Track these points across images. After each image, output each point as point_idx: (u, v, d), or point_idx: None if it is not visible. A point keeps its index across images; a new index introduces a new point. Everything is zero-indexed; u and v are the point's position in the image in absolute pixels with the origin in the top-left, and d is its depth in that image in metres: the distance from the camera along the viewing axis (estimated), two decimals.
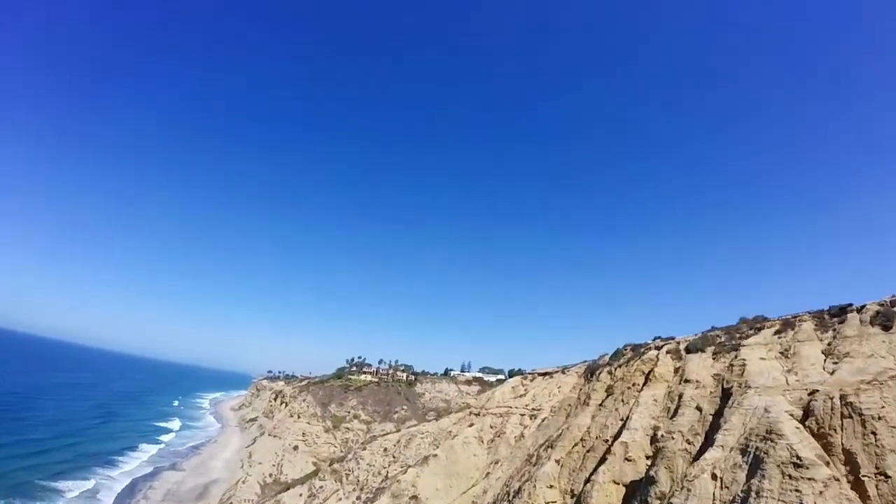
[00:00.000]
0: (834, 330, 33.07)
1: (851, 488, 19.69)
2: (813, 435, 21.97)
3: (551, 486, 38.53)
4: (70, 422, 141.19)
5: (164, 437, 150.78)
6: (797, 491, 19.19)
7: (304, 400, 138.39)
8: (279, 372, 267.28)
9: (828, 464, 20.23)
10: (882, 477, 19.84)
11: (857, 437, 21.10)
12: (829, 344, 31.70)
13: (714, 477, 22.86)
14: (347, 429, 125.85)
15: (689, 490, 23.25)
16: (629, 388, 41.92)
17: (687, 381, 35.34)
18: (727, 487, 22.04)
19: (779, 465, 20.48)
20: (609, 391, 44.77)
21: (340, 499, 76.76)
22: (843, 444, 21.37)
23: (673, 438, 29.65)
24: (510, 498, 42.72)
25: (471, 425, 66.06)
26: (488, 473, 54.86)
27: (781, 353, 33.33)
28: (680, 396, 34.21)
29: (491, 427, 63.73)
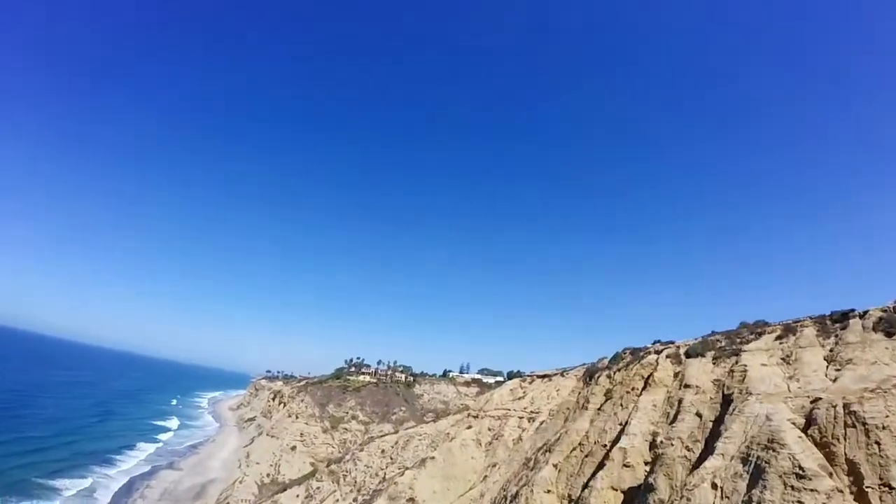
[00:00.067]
0: (836, 336, 32.54)
1: (855, 500, 19.26)
2: (815, 444, 21.53)
3: (549, 491, 38.12)
4: (68, 420, 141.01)
5: (162, 436, 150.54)
6: (799, 502, 18.76)
7: (302, 400, 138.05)
8: (278, 372, 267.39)
9: (831, 474, 19.79)
10: (886, 488, 19.40)
11: (861, 447, 20.66)
12: (831, 350, 31.19)
13: (714, 486, 22.43)
14: (345, 429, 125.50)
15: (688, 499, 22.83)
16: (628, 392, 41.49)
17: (687, 386, 34.90)
18: (727, 497, 21.62)
19: (780, 476, 20.05)
20: (608, 395, 44.34)
21: (338, 500, 76.36)
22: (846, 453, 20.93)
23: (672, 445, 29.22)
24: (507, 502, 42.31)
25: (469, 427, 65.67)
26: (486, 476, 54.45)
27: (783, 359, 32.85)
28: (679, 402, 33.77)
29: (489, 429, 63.34)
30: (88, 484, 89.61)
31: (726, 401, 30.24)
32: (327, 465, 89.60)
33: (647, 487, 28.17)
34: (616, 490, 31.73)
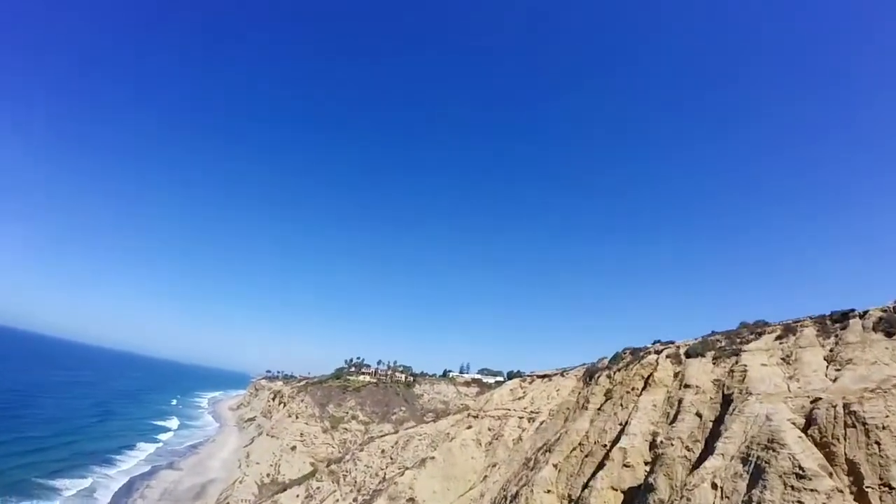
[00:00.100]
0: (836, 336, 32.53)
1: (855, 500, 19.25)
2: (815, 444, 21.52)
3: (549, 491, 38.11)
4: (68, 420, 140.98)
5: (163, 436, 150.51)
6: (799, 502, 18.75)
7: (302, 400, 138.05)
8: (278, 372, 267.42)
9: (831, 475, 19.79)
10: (886, 488, 19.39)
11: (861, 447, 20.65)
12: (831, 350, 31.18)
13: (714, 486, 22.42)
14: (345, 429, 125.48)
15: (688, 499, 22.83)
16: (628, 392, 41.48)
17: (687, 386, 34.89)
18: (727, 497, 21.61)
19: (780, 476, 20.05)
20: (608, 395, 44.33)
21: (337, 500, 76.35)
22: (846, 454, 20.92)
23: (672, 445, 29.21)
24: (507, 502, 42.30)
25: (469, 427, 65.66)
26: (486, 477, 54.44)
27: (783, 359, 32.84)
28: (679, 402, 33.76)
29: (489, 429, 63.33)
30: (88, 484, 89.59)
31: (726, 401, 30.24)
32: (327, 465, 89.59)
33: (647, 487, 28.16)
34: (616, 490, 31.72)
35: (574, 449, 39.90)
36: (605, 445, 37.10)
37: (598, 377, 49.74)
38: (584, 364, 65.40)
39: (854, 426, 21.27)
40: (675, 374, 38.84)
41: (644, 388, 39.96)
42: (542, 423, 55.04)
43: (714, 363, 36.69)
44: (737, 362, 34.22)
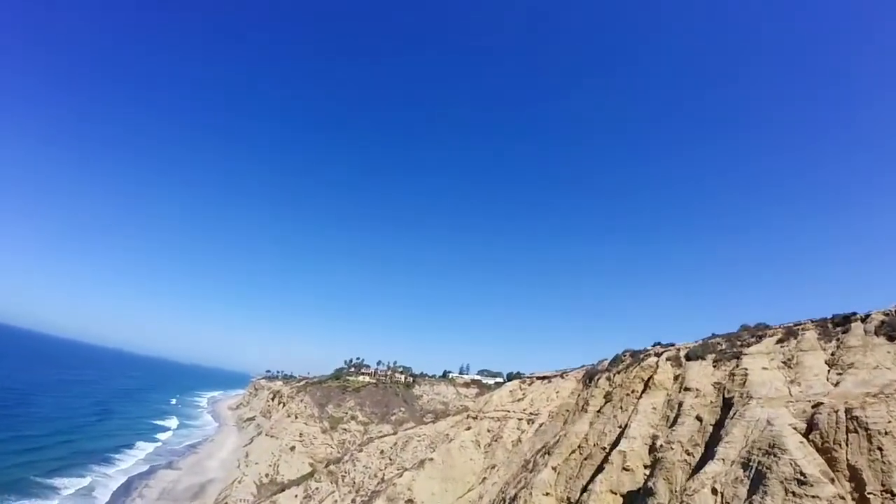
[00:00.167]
0: (837, 339, 32.27)
1: None
2: (817, 450, 21.28)
3: (547, 494, 37.89)
4: (67, 419, 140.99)
5: (162, 436, 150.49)
6: None
7: (301, 400, 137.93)
8: (277, 372, 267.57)
9: (832, 480, 19.56)
10: (888, 495, 19.15)
11: (863, 453, 20.41)
12: (832, 354, 30.92)
13: (714, 491, 22.19)
14: (344, 430, 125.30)
15: None
16: (628, 395, 41.26)
17: (687, 389, 34.67)
18: (728, 503, 21.39)
19: (782, 481, 19.81)
20: (607, 398, 44.11)
21: (336, 500, 76.17)
22: (848, 459, 20.68)
23: (672, 449, 28.99)
24: None
25: (468, 429, 65.47)
26: (484, 478, 54.24)
27: (784, 362, 32.59)
28: (679, 405, 33.53)
29: (488, 431, 63.14)
30: (87, 483, 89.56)
31: (727, 404, 30.00)
32: (326, 466, 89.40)
33: (646, 492, 27.93)
34: (615, 494, 31.49)
35: (573, 451, 39.68)
36: (605, 448, 36.88)
37: (598, 379, 49.53)
38: (583, 366, 65.20)
39: (856, 431, 21.03)
40: (676, 377, 38.61)
41: (644, 391, 39.73)
42: (541, 425, 54.82)
43: (714, 366, 36.45)
44: (737, 365, 33.98)
